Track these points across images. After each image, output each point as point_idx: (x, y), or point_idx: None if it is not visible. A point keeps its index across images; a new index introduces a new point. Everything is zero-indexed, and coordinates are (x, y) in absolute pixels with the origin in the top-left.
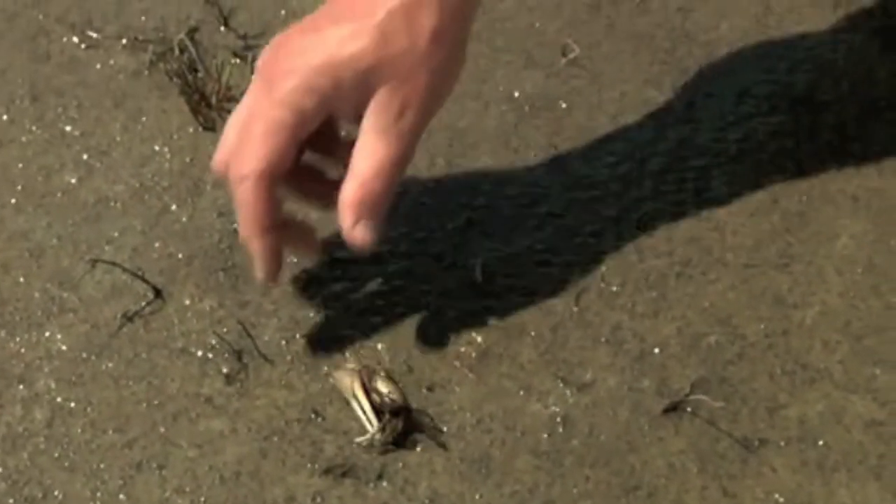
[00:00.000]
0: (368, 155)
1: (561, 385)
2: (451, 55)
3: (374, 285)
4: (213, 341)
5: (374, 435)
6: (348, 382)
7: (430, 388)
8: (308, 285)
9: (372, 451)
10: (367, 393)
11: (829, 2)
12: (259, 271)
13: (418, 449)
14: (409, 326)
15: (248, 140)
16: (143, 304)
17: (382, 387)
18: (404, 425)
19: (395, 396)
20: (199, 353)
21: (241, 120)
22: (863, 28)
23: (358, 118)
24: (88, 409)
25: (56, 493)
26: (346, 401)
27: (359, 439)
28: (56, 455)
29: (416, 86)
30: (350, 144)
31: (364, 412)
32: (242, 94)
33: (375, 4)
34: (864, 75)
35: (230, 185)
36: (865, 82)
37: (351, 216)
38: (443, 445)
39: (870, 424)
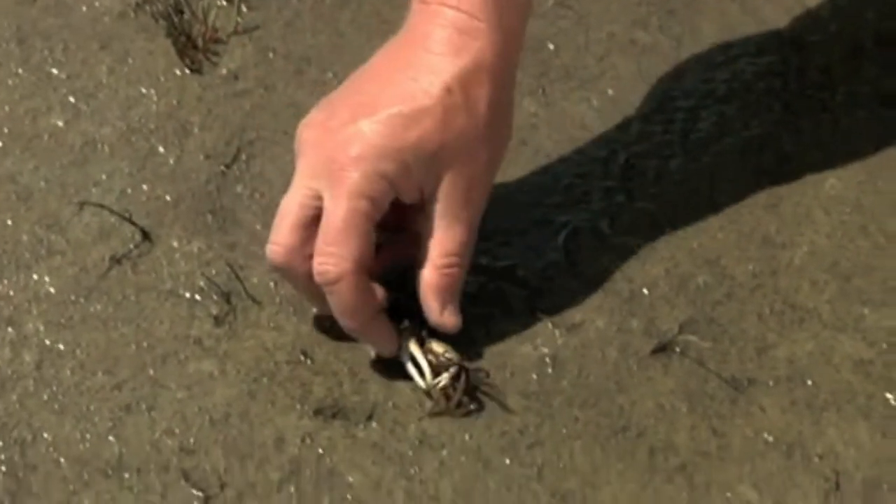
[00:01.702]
0: (445, 241)
1: (550, 326)
2: (506, 122)
3: None
4: (202, 283)
5: (432, 393)
6: (403, 342)
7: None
8: None
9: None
10: (424, 353)
11: None
12: (379, 351)
13: (408, 390)
14: (394, 268)
15: (332, 241)
16: (131, 246)
17: (437, 347)
18: (465, 385)
19: (450, 356)
20: (188, 295)
21: (295, 208)
22: None
23: (420, 196)
24: (77, 352)
25: (45, 435)
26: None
27: (430, 408)
28: (45, 397)
29: (479, 164)
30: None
31: (421, 372)
32: (229, 36)
33: (432, 80)
34: (852, 16)
35: (294, 276)
36: (853, 23)
37: (438, 303)
38: (505, 407)
39: (858, 364)
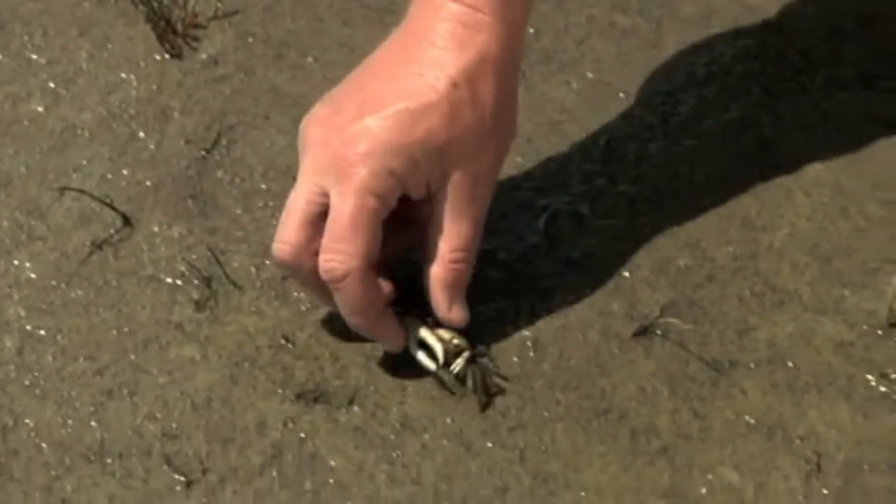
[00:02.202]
0: (452, 237)
1: (531, 310)
2: (511, 116)
3: None
4: (183, 268)
5: (444, 380)
6: (411, 331)
7: (401, 314)
8: (277, 212)
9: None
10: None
11: None
12: (387, 347)
13: (389, 374)
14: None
15: (340, 237)
16: (112, 231)
17: (445, 334)
18: (479, 370)
19: (458, 341)
20: (169, 280)
21: (301, 205)
22: None
23: (427, 191)
24: (59, 337)
25: (27, 420)
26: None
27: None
28: (27, 383)
29: (486, 158)
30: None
31: (433, 358)
32: (209, 21)
33: (437, 75)
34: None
35: (301, 274)
36: (833, 5)
37: (446, 299)
38: (502, 391)
39: (839, 345)
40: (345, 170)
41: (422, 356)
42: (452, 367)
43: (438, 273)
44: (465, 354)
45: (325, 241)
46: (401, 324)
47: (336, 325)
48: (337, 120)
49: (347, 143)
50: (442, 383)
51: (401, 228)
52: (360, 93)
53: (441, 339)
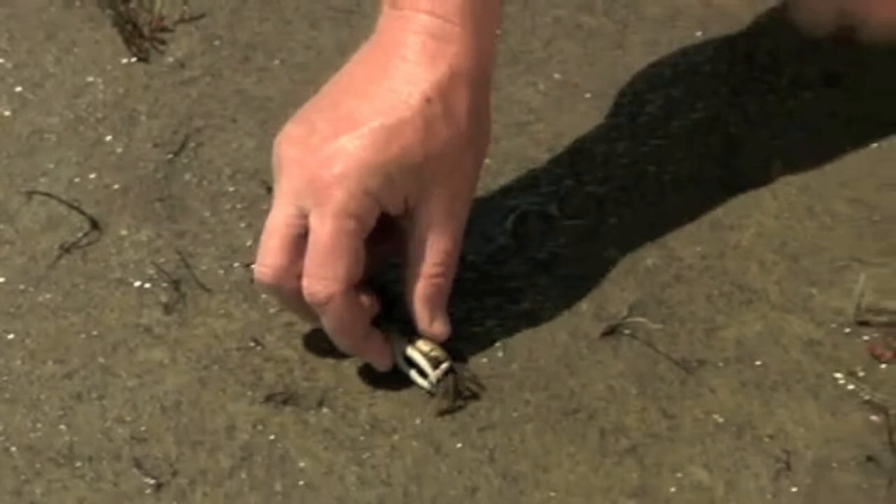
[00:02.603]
0: (432, 252)
1: (499, 310)
2: (485, 127)
3: None
4: (151, 271)
5: (439, 394)
6: (396, 343)
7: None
8: (244, 214)
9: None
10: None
11: None
12: (376, 366)
13: (358, 375)
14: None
15: (321, 262)
16: (80, 235)
17: (423, 346)
18: (456, 378)
19: (437, 353)
20: (137, 284)
21: (280, 228)
22: None
23: (405, 207)
24: (27, 341)
25: None
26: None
27: (437, 406)
28: None
29: (463, 172)
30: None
31: (421, 373)
32: (175, 24)
33: (410, 91)
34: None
35: (285, 296)
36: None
37: (427, 313)
38: (475, 395)
39: (807, 344)
40: (322, 191)
41: (413, 374)
42: (438, 378)
43: (419, 288)
44: (444, 366)
45: (307, 265)
46: (387, 342)
47: (305, 327)
48: (312, 140)
49: (323, 164)
50: (431, 395)
51: (381, 241)
52: (334, 110)
53: (425, 354)
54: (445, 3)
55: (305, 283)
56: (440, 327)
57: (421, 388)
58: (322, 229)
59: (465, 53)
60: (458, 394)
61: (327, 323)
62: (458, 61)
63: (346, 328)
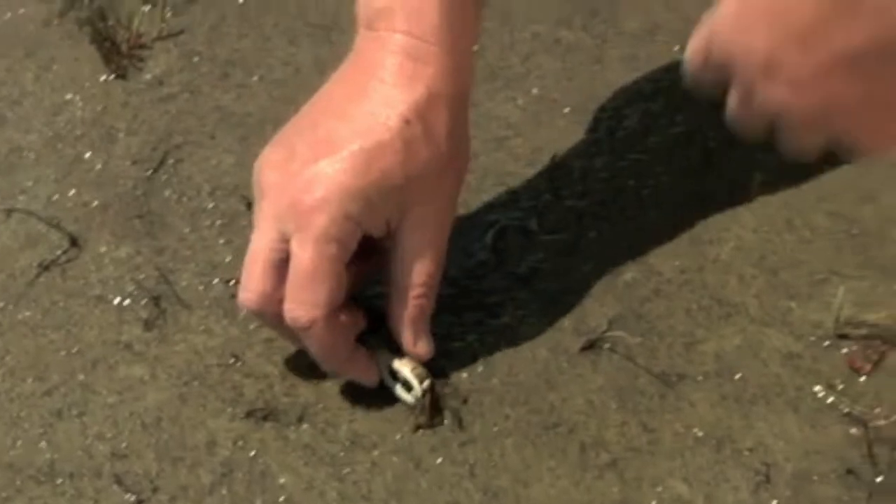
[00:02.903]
0: (414, 273)
1: (479, 325)
2: (465, 147)
3: None
4: (131, 288)
5: (417, 409)
6: (381, 359)
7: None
8: (224, 230)
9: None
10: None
11: None
12: (363, 382)
13: (338, 391)
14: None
15: (302, 287)
16: (59, 252)
17: (409, 361)
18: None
19: (419, 371)
20: (117, 300)
21: (263, 254)
22: None
23: (387, 229)
24: (7, 358)
25: None
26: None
27: (416, 422)
28: None
29: (443, 193)
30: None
31: (406, 384)
32: (153, 41)
33: (388, 113)
34: None
35: (269, 320)
36: None
37: (411, 333)
38: (459, 421)
39: (786, 357)
40: (303, 216)
41: (399, 390)
42: (417, 391)
43: (403, 309)
44: (426, 384)
45: (288, 290)
46: (372, 358)
47: (285, 343)
48: (292, 164)
49: (304, 189)
50: (411, 409)
51: (364, 259)
52: (313, 133)
53: (411, 370)
54: (422, 24)
55: (287, 308)
56: (424, 347)
57: (404, 403)
58: (303, 255)
59: (443, 74)
60: (436, 411)
61: (310, 346)
62: (436, 82)
63: (329, 351)
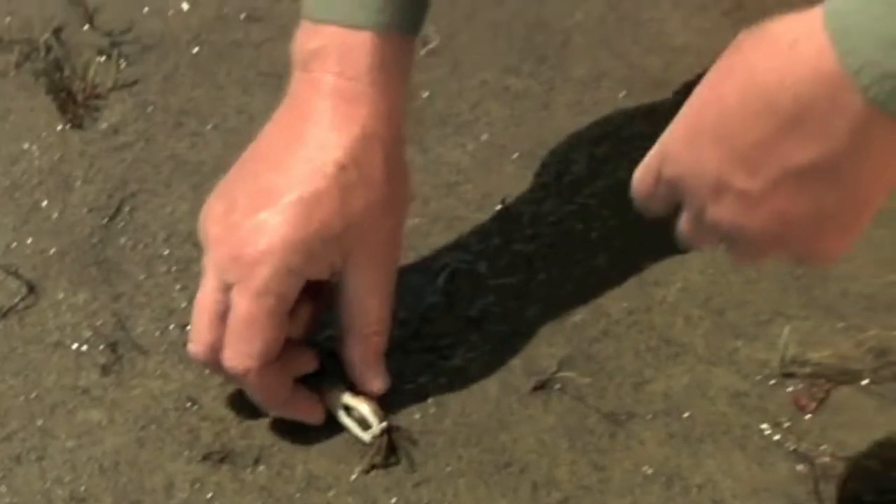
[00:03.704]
0: (364, 313)
1: (431, 367)
2: (404, 184)
3: None
4: (88, 334)
5: (374, 448)
6: (337, 398)
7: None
8: (179, 276)
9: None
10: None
11: None
12: (309, 421)
13: (294, 433)
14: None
15: (238, 338)
16: (17, 299)
17: (365, 400)
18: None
19: (376, 409)
20: (75, 346)
21: (209, 305)
22: (713, 10)
23: (331, 272)
24: None
25: None
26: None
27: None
28: None
29: (385, 232)
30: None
31: (361, 425)
32: (108, 91)
33: (324, 160)
34: (717, 56)
35: (215, 368)
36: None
37: (365, 370)
38: (412, 461)
39: (733, 396)
40: (245, 269)
41: (355, 429)
42: (375, 429)
43: (356, 349)
44: (384, 424)
45: (226, 338)
46: (323, 394)
47: (240, 388)
48: (233, 216)
49: (245, 241)
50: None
51: (314, 298)
52: (253, 184)
53: (370, 409)
54: (355, 65)
55: (224, 356)
56: (378, 384)
57: (360, 441)
58: (241, 306)
59: (377, 114)
60: (391, 450)
61: (249, 392)
62: (371, 122)
63: (266, 396)
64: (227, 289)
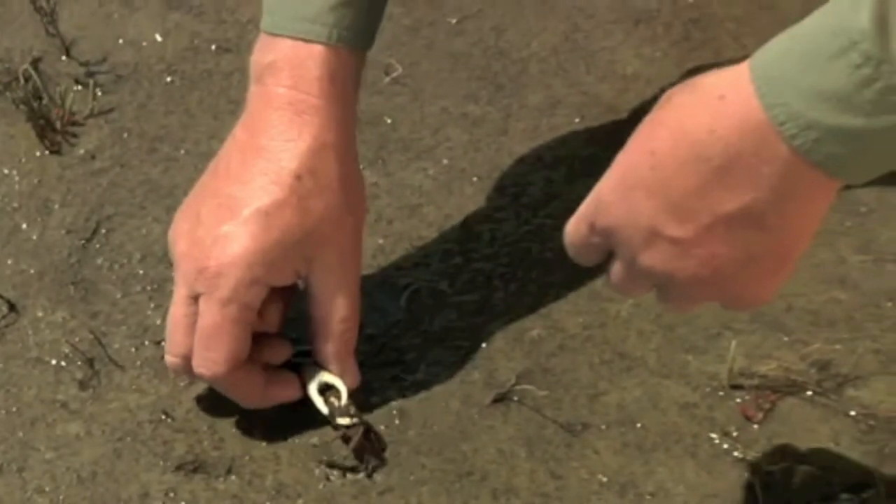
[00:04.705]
0: (333, 311)
1: (396, 380)
2: (359, 189)
3: None
4: (67, 350)
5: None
6: (314, 374)
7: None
8: (154, 295)
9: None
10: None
11: (631, 18)
12: (287, 401)
13: (264, 444)
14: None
15: (205, 346)
16: None
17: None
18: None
19: (352, 409)
20: (54, 362)
21: (182, 318)
22: (662, 41)
23: (296, 277)
24: None
25: None
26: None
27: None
28: None
29: (345, 234)
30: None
31: (337, 393)
32: (85, 118)
33: (280, 171)
34: (666, 84)
35: (193, 377)
36: (667, 89)
37: (338, 366)
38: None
39: (684, 407)
40: (209, 280)
41: (320, 403)
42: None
43: (328, 346)
44: (361, 430)
45: (194, 346)
46: (289, 384)
47: (212, 400)
48: (198, 231)
49: (209, 254)
50: (334, 428)
51: (285, 296)
52: (214, 199)
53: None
54: (306, 78)
55: (193, 363)
56: (351, 378)
57: (332, 418)
58: (207, 315)
59: (329, 124)
60: (364, 452)
61: (222, 392)
62: (323, 132)
63: (239, 396)
64: (196, 300)
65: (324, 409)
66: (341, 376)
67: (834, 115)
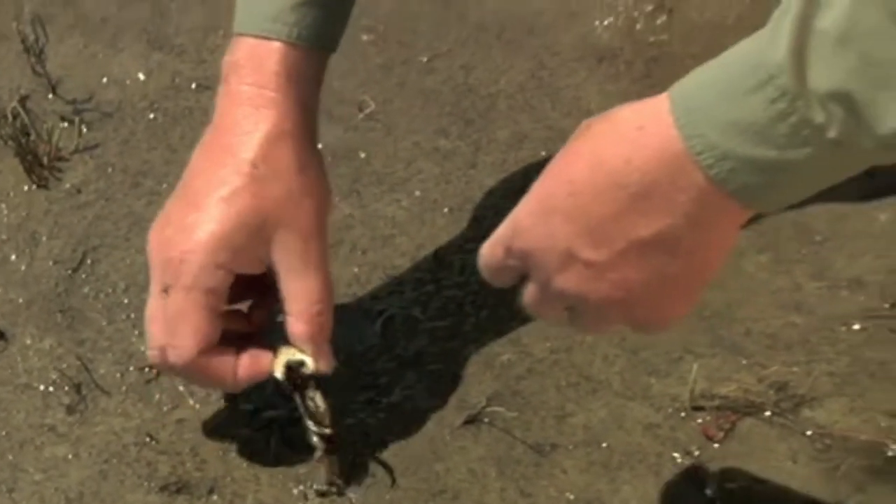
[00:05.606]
0: (301, 295)
1: (371, 403)
2: (319, 176)
3: None
4: (54, 376)
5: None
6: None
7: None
8: (138, 323)
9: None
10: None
11: (594, 56)
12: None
13: (244, 465)
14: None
15: (173, 332)
16: None
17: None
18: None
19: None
20: (42, 388)
21: (156, 312)
22: (624, 78)
23: (262, 264)
24: None
25: None
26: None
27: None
28: None
29: (305, 217)
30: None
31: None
32: (71, 154)
33: (238, 161)
34: None
35: (175, 371)
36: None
37: (312, 350)
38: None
39: (647, 427)
40: (174, 268)
41: (282, 379)
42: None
43: (302, 329)
44: (327, 432)
45: (165, 336)
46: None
47: (195, 423)
48: (167, 229)
49: (174, 244)
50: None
51: (262, 300)
52: (184, 198)
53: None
54: (263, 74)
55: (166, 353)
56: (325, 363)
57: (302, 414)
58: (171, 303)
59: (286, 115)
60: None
61: (196, 380)
62: (280, 122)
63: (209, 384)
64: (168, 293)
65: (293, 396)
66: (315, 360)
67: (749, 146)
